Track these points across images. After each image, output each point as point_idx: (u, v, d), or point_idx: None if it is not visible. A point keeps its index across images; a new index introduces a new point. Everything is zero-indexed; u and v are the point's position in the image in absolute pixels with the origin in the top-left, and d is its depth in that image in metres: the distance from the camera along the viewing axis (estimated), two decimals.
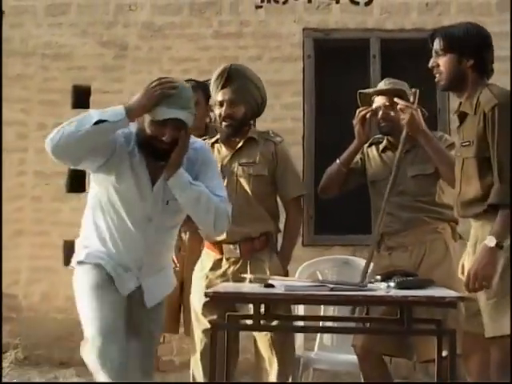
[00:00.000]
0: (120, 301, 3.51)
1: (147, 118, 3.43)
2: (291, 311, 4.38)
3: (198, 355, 4.30)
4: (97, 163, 3.47)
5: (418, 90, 4.29)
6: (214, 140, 4.45)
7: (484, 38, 3.65)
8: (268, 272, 4.18)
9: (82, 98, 7.02)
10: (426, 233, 4.29)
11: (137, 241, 3.55)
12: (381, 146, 4.53)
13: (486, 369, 3.52)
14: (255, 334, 4.26)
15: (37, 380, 6.10)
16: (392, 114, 4.37)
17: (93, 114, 3.32)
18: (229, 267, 4.28)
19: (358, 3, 6.97)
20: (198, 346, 4.29)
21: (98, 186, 3.60)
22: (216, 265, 4.32)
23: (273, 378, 4.25)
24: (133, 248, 3.56)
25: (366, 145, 4.57)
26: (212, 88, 4.35)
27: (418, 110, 4.25)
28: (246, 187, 4.21)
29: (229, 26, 7.00)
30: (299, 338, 4.68)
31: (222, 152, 4.40)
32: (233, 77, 4.24)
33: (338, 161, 4.51)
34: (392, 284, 3.73)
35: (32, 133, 7.01)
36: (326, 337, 4.82)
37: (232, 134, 4.33)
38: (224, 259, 4.30)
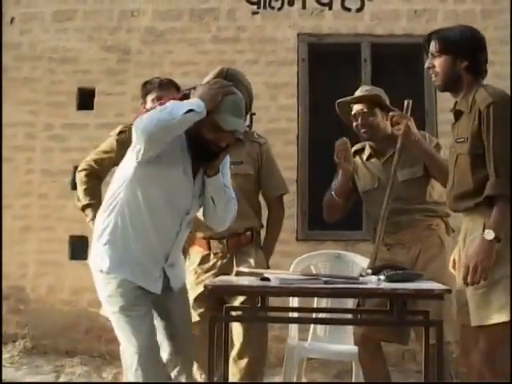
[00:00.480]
0: (150, 308, 3.49)
1: (208, 121, 3.35)
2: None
3: None
4: (154, 156, 3.37)
5: (411, 101, 4.26)
6: None
7: (478, 40, 3.64)
8: (253, 265, 4.20)
9: (86, 99, 7.02)
10: (421, 230, 4.29)
11: (171, 232, 3.49)
12: (364, 155, 4.50)
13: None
14: (234, 324, 4.26)
15: (44, 368, 6.09)
16: (370, 119, 4.35)
17: (179, 105, 3.30)
18: (216, 261, 4.33)
19: (349, 10, 6.97)
20: None
21: (141, 175, 3.42)
22: (204, 260, 4.36)
23: (242, 367, 4.26)
24: (165, 239, 3.48)
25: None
26: None
27: (412, 120, 4.23)
28: (234, 185, 4.22)
29: (227, 31, 6.99)
30: (294, 328, 4.68)
31: None
32: (229, 78, 4.21)
33: (332, 192, 4.47)
34: (382, 277, 3.73)
35: (39, 133, 7.01)
36: (319, 328, 4.81)
37: None
38: (211, 254, 4.34)
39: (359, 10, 6.97)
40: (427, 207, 4.31)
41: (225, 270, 4.22)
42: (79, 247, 6.69)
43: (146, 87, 4.65)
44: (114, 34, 7.07)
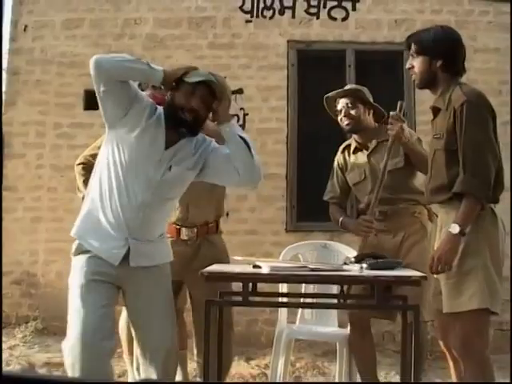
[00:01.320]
0: (106, 290, 3.26)
1: (178, 89, 3.28)
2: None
3: None
4: (117, 114, 3.31)
5: (403, 102, 4.24)
6: None
7: (451, 40, 3.61)
8: (217, 253, 4.18)
9: (92, 100, 6.96)
10: (405, 218, 4.30)
11: (136, 199, 3.26)
12: (351, 148, 4.50)
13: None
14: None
15: (53, 347, 6.08)
16: (353, 112, 4.35)
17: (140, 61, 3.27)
18: (184, 248, 4.13)
19: (335, 19, 6.96)
20: None
21: (110, 142, 3.35)
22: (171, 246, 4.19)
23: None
24: (129, 207, 3.26)
25: (339, 154, 4.56)
26: None
27: (406, 123, 4.22)
28: None
29: (222, 38, 6.98)
30: (283, 312, 4.67)
31: None
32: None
33: (341, 219, 4.51)
34: (365, 265, 3.72)
35: (49, 131, 7.01)
36: (307, 312, 4.80)
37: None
38: (180, 241, 4.14)
39: (344, 19, 6.97)
40: (410, 197, 4.31)
41: (191, 257, 4.14)
42: None
43: (141, 85, 4.59)
44: (118, 41, 7.06)
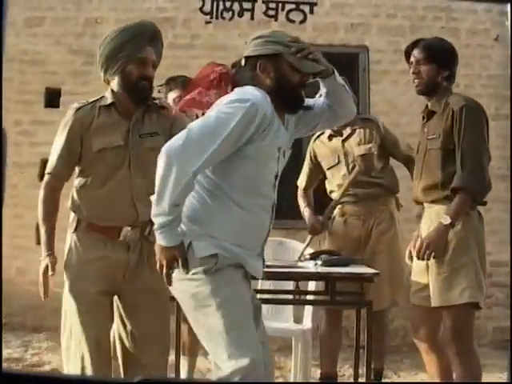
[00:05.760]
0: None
1: (286, 67, 2.94)
2: None
3: None
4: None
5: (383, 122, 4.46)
6: None
7: (456, 53, 3.76)
8: None
9: (53, 98, 6.95)
10: (375, 205, 4.43)
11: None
12: (325, 137, 4.59)
13: (434, 335, 3.69)
14: None
15: (13, 342, 6.02)
16: None
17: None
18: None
19: (293, 22, 6.98)
20: None
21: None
22: None
23: None
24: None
25: (312, 141, 4.65)
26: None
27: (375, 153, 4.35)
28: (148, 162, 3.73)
29: (182, 38, 6.95)
30: None
31: None
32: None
33: (302, 209, 4.71)
34: (319, 262, 3.75)
35: (10, 128, 6.90)
36: (263, 307, 4.79)
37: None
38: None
39: (302, 22, 6.99)
40: (381, 182, 4.42)
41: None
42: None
43: (170, 85, 4.48)
44: (79, 39, 6.98)
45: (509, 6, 6.52)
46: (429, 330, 3.70)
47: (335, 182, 4.54)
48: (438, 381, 3.70)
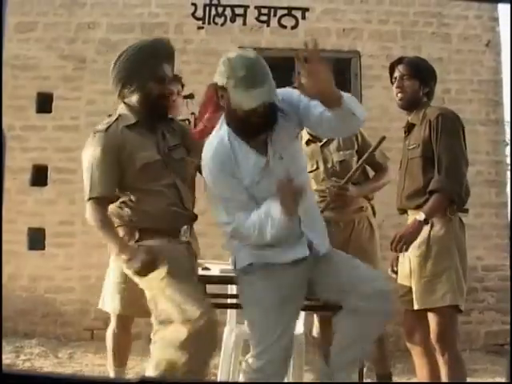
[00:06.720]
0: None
1: (233, 105, 3.02)
2: None
3: None
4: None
5: (385, 137, 4.34)
6: None
7: (435, 74, 3.96)
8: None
9: (45, 103, 6.94)
10: (353, 211, 4.43)
11: None
12: (303, 140, 4.56)
13: (427, 339, 3.73)
14: None
15: (5, 348, 5.98)
16: None
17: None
18: None
19: (285, 27, 7.00)
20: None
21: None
22: None
23: None
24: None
25: None
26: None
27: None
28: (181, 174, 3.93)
29: (174, 43, 6.80)
30: (233, 313, 4.66)
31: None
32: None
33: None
34: None
35: None
36: None
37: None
38: None
39: (294, 27, 7.01)
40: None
41: None
42: (37, 239, 6.62)
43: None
44: (71, 45, 6.99)
45: (501, 10, 6.51)
46: (421, 333, 3.78)
47: (313, 188, 4.51)
48: None
